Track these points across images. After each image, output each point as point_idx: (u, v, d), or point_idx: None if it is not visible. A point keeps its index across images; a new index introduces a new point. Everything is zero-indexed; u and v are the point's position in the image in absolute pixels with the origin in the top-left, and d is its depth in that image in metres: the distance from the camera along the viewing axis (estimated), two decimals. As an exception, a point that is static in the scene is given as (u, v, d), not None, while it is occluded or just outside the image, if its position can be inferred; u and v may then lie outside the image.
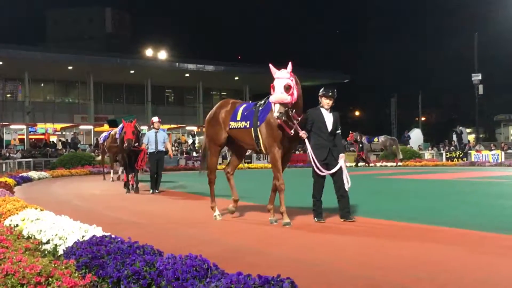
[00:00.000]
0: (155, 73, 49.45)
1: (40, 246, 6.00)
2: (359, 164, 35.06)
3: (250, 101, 10.06)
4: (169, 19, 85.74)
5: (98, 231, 6.26)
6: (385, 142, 36.49)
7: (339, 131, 9.38)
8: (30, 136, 46.91)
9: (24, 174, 23.29)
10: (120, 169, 22.32)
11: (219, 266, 4.62)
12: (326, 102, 9.30)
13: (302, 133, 8.87)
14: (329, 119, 9.24)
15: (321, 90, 9.39)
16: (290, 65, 8.56)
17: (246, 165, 36.44)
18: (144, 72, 48.69)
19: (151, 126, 17.04)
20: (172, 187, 18.76)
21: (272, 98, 8.49)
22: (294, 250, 6.88)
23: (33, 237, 6.42)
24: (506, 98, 57.00)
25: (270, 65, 8.59)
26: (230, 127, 9.71)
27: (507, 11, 49.99)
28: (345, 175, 9.02)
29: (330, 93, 9.31)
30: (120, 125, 17.69)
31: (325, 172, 9.10)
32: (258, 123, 9.16)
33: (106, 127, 38.08)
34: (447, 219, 9.25)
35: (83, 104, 50.19)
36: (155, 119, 16.96)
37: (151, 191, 16.15)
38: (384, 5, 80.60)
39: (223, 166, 11.60)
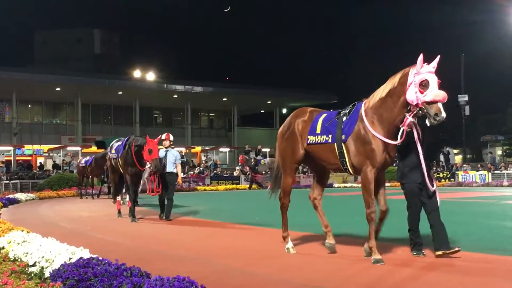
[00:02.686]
0: (143, 94, 49.43)
1: (27, 269, 5.94)
2: (252, 186, 34.78)
3: (332, 110, 8.34)
4: (158, 41, 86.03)
5: (85, 253, 6.21)
6: (270, 164, 36.82)
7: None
8: (17, 158, 46.63)
9: (11, 196, 23.09)
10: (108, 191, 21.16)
11: (206, 287, 4.60)
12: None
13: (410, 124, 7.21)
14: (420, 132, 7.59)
15: None
16: (437, 59, 7.10)
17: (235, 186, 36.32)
18: (132, 93, 48.66)
19: (163, 144, 14.72)
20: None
21: (434, 96, 6.82)
22: (282, 270, 6.85)
23: (19, 260, 6.36)
24: (492, 119, 57.49)
25: (421, 56, 7.01)
26: (308, 142, 8.06)
27: (493, 32, 50.58)
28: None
29: None
30: (119, 143, 15.36)
31: (432, 188, 7.55)
32: (343, 137, 7.57)
33: (94, 148, 37.99)
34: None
35: (70, 125, 49.96)
36: (163, 136, 14.78)
37: (162, 216, 14.37)
38: (370, 26, 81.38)
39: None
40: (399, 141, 7.20)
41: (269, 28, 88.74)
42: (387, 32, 76.56)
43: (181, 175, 15.34)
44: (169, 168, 14.31)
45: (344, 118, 7.65)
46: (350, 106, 7.79)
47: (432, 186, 7.53)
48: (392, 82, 7.28)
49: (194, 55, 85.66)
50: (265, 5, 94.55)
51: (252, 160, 35.66)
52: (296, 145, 8.23)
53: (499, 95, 56.85)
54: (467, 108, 44.87)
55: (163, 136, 14.67)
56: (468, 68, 46.36)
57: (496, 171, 36.47)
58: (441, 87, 6.97)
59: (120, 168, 15.00)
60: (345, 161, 7.58)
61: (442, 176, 38.61)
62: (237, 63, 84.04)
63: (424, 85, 6.86)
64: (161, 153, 14.30)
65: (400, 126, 7.18)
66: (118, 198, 16.07)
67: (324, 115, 8.08)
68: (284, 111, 61.78)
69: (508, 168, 36.90)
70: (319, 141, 7.86)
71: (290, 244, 8.34)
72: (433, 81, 6.88)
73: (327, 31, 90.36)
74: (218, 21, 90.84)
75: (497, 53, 54.53)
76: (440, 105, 6.79)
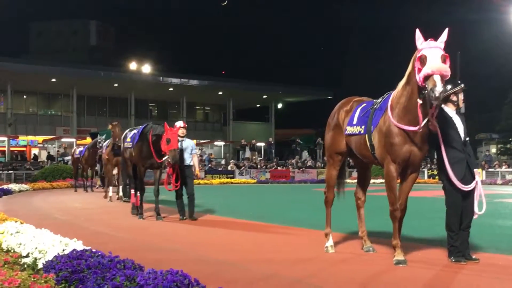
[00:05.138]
0: (139, 87, 49.31)
1: (20, 260, 5.93)
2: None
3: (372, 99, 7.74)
4: (154, 33, 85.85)
5: (78, 245, 6.21)
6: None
7: (468, 138, 7.10)
8: (12, 148, 46.51)
9: (5, 187, 23.05)
10: (110, 188, 19.65)
11: (200, 281, 4.60)
12: (459, 100, 7.13)
13: (434, 123, 6.67)
14: (459, 123, 7.06)
15: (448, 85, 6.89)
16: (446, 33, 6.54)
17: (227, 179, 36.37)
18: (128, 85, 48.52)
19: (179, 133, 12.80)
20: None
21: (427, 69, 6.24)
22: (275, 265, 6.86)
23: (12, 251, 6.36)
24: (487, 117, 57.54)
25: (417, 31, 6.52)
26: (346, 132, 7.71)
27: (489, 30, 50.63)
28: (478, 197, 6.98)
29: (462, 85, 7.14)
30: (134, 131, 13.72)
31: (465, 187, 6.85)
32: (372, 128, 7.17)
33: (88, 140, 37.88)
34: (429, 236, 9.30)
35: (65, 117, 49.84)
36: (180, 123, 13.12)
37: (181, 217, 12.69)
38: (367, 23, 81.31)
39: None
40: (419, 127, 6.58)
41: (266, 23, 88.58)
42: (383, 29, 76.50)
43: (198, 166, 13.86)
44: (187, 160, 12.84)
45: (376, 107, 7.23)
46: (385, 95, 7.31)
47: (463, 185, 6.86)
48: (409, 66, 6.79)
49: (190, 48, 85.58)
50: (262, 1, 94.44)
51: None
52: (339, 135, 7.91)
53: (494, 93, 56.92)
54: (462, 106, 44.97)
55: (180, 123, 13.11)
56: (464, 66, 46.43)
57: (490, 169, 36.60)
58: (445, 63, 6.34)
59: (134, 159, 13.47)
60: (375, 153, 7.16)
61: (436, 173, 38.71)
62: (234, 57, 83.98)
63: (422, 61, 6.35)
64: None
65: (430, 117, 6.58)
66: (133, 191, 14.37)
67: (364, 105, 7.64)
68: (280, 106, 61.83)
69: (502, 167, 37.05)
70: (354, 132, 7.50)
71: (330, 243, 7.93)
72: (432, 55, 6.32)
73: (324, 27, 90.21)
74: (215, 14, 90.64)
75: (492, 52, 54.57)
76: (437, 78, 6.18)
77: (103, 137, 23.60)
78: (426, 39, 6.53)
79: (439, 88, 6.13)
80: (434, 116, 6.64)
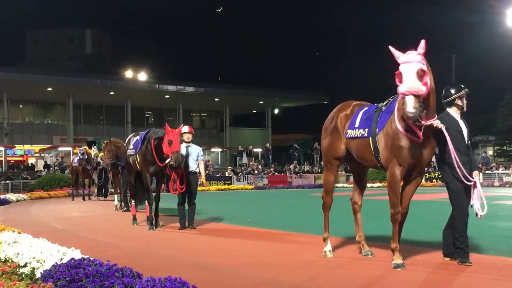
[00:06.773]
0: (135, 94, 49.29)
1: (18, 270, 5.92)
2: None
3: (375, 103, 7.71)
4: (149, 40, 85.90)
5: (76, 254, 6.20)
6: None
7: (469, 142, 7.28)
8: (8, 158, 46.40)
9: (2, 196, 22.99)
10: (116, 196, 19.18)
11: (198, 288, 4.60)
12: (463, 104, 7.29)
13: (437, 123, 6.74)
14: (464, 127, 7.21)
15: (452, 89, 7.30)
16: (423, 43, 6.52)
17: (226, 186, 36.35)
18: (124, 93, 48.51)
19: (185, 138, 12.45)
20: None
21: (401, 88, 6.33)
22: (273, 270, 6.86)
23: (10, 260, 6.35)
24: (483, 119, 57.62)
25: (391, 48, 6.64)
26: (347, 136, 7.64)
27: (484, 32, 50.77)
28: (478, 198, 7.07)
29: (466, 89, 7.26)
30: (137, 137, 13.09)
31: (468, 181, 6.94)
32: (377, 130, 7.13)
33: (85, 148, 37.79)
34: (427, 239, 9.30)
35: (62, 126, 49.76)
36: (186, 129, 12.52)
37: (180, 227, 12.18)
38: (362, 26, 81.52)
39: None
40: (421, 138, 6.62)
41: (261, 28, 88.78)
42: (379, 32, 76.70)
43: (204, 173, 13.46)
44: (192, 166, 12.35)
45: (382, 109, 7.19)
46: (390, 98, 7.29)
47: (468, 181, 6.94)
48: None
49: (186, 55, 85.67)
50: (257, 6, 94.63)
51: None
52: (338, 140, 7.85)
53: (490, 95, 57.04)
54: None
55: (186, 129, 12.50)
56: (459, 68, 46.51)
57: (487, 171, 36.61)
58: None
59: (138, 166, 12.78)
60: (379, 157, 7.10)
61: (434, 176, 38.74)
62: (229, 63, 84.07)
63: (399, 77, 6.44)
64: (182, 149, 12.16)
65: (423, 122, 6.57)
66: (133, 202, 13.96)
67: (365, 108, 7.62)
68: (276, 111, 61.85)
69: (499, 169, 37.07)
70: (356, 135, 7.44)
71: (328, 247, 7.91)
72: (405, 71, 6.39)
73: (319, 31, 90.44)
74: (211, 21, 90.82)
75: (488, 54, 54.71)
76: (409, 99, 6.25)
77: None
78: (416, 48, 6.54)
79: (409, 109, 6.23)
80: (428, 124, 6.65)
